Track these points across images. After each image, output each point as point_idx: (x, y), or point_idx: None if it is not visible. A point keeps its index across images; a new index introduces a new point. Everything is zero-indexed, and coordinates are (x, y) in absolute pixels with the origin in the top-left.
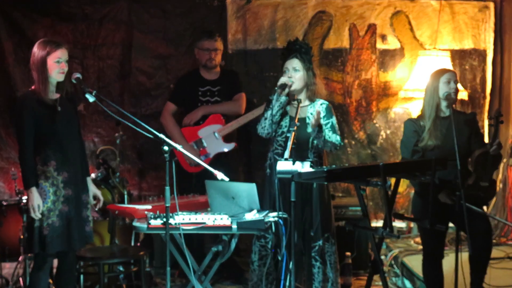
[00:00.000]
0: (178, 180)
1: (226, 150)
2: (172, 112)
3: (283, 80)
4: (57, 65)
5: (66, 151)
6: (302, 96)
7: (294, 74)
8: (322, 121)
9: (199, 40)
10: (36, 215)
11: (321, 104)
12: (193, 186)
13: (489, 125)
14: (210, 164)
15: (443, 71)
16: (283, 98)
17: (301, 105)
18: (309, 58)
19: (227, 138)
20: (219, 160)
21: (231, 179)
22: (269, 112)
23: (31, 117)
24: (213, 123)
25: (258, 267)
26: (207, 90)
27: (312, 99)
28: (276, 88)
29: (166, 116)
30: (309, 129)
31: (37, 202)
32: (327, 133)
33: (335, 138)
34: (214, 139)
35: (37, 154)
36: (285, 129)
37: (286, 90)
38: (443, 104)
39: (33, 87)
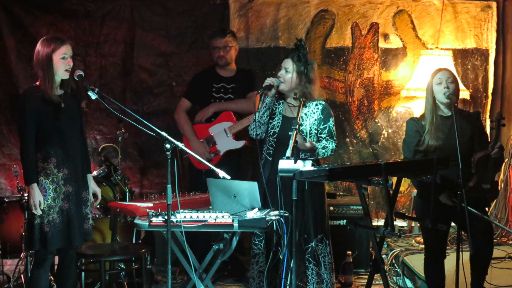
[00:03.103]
0: (189, 176)
1: (236, 147)
2: (186, 109)
3: (268, 81)
4: (63, 62)
5: (67, 148)
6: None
7: (284, 75)
8: (321, 126)
9: (211, 38)
10: (37, 211)
11: (316, 105)
12: (202, 182)
13: (491, 128)
14: (219, 162)
15: (435, 72)
16: (268, 99)
17: (295, 104)
18: (305, 61)
19: (238, 136)
20: (229, 158)
21: (240, 177)
22: (256, 114)
23: (34, 113)
24: (224, 121)
25: (251, 264)
26: (221, 87)
27: (304, 102)
28: (259, 90)
29: (179, 112)
30: (303, 130)
31: (38, 198)
32: (323, 142)
33: (331, 146)
34: (224, 137)
35: (38, 151)
36: (277, 129)
37: (273, 90)
38: (441, 105)
39: (37, 83)
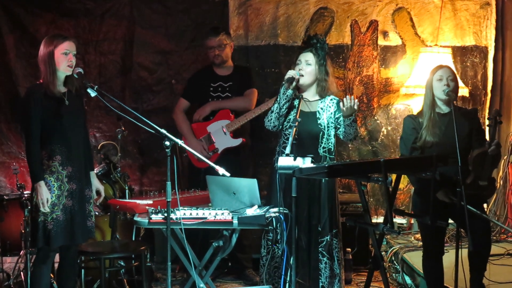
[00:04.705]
0: (188, 175)
1: (234, 145)
2: (184, 109)
3: (290, 73)
4: (64, 57)
5: (71, 145)
6: (312, 91)
7: (306, 67)
8: (340, 118)
9: (205, 39)
10: (45, 209)
11: (331, 100)
12: (201, 181)
13: (488, 125)
14: (218, 160)
15: (436, 68)
16: (290, 92)
17: (311, 99)
18: (324, 54)
19: (236, 134)
20: (227, 156)
21: (240, 175)
22: (275, 106)
23: (39, 110)
24: (222, 119)
25: (266, 261)
26: (218, 85)
27: (322, 95)
28: (283, 82)
29: (177, 113)
30: (321, 123)
31: (46, 195)
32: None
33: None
34: (222, 135)
35: (43, 149)
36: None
37: (294, 83)
38: (439, 101)
39: (40, 81)
